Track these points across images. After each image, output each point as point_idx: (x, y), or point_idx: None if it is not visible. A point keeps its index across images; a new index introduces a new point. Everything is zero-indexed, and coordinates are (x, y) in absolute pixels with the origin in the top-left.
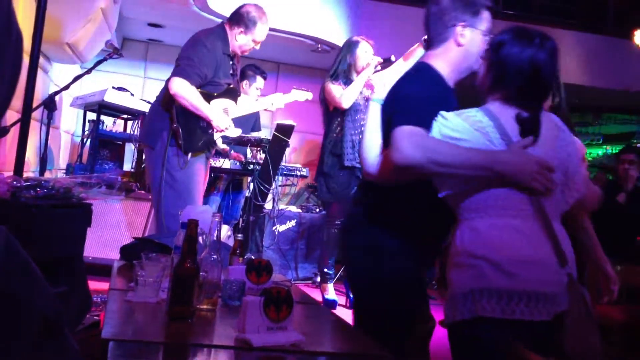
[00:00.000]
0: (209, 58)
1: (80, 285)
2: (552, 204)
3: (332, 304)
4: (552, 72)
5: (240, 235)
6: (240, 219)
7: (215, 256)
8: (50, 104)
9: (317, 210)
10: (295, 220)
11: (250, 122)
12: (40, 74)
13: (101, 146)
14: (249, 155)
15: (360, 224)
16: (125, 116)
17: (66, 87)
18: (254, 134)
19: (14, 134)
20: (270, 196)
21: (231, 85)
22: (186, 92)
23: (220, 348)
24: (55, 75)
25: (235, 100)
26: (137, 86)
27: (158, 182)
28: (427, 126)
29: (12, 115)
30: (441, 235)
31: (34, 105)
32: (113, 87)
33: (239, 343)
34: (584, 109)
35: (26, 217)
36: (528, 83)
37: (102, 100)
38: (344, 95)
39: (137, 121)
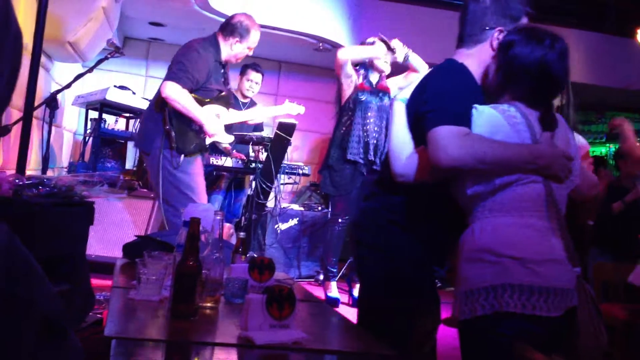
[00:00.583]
0: (201, 63)
1: (83, 283)
2: (564, 203)
3: (335, 302)
4: (562, 73)
5: (242, 233)
6: (242, 217)
7: (217, 254)
8: (52, 103)
9: (320, 208)
10: (298, 218)
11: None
12: (42, 72)
13: (103, 144)
14: (251, 154)
15: (371, 220)
16: (127, 115)
17: (68, 86)
18: (256, 133)
19: (16, 132)
20: (272, 194)
21: (223, 93)
22: (178, 95)
23: (222, 346)
24: (57, 74)
25: (227, 107)
26: (139, 85)
27: (159, 184)
28: (465, 123)
29: (14, 114)
30: (451, 236)
31: (36, 103)
32: (115, 86)
33: (242, 341)
34: (587, 107)
35: (28, 215)
36: (537, 83)
37: (103, 99)
38: (345, 48)
39: (138, 120)
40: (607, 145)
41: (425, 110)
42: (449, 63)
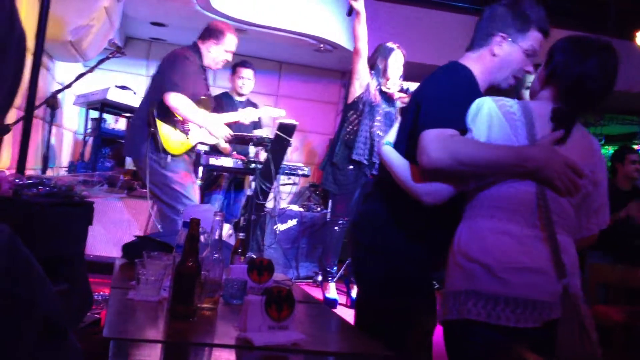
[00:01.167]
0: (194, 70)
1: (82, 283)
2: (563, 215)
3: (333, 303)
4: (598, 89)
5: (242, 234)
6: (242, 218)
7: (216, 255)
8: (53, 102)
9: (319, 209)
10: (297, 219)
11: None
12: (43, 72)
13: (103, 144)
14: (251, 155)
15: (368, 221)
16: (127, 114)
17: (69, 86)
18: (257, 131)
19: (16, 131)
20: (271, 195)
21: (204, 97)
22: (183, 105)
23: (221, 347)
24: (58, 74)
25: (210, 110)
26: (140, 85)
27: (152, 185)
28: (455, 125)
29: (14, 113)
30: (448, 237)
31: (37, 103)
32: (116, 86)
33: (241, 342)
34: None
35: (28, 215)
36: (573, 92)
37: (104, 99)
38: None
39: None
40: (606, 147)
41: (419, 115)
42: (450, 65)
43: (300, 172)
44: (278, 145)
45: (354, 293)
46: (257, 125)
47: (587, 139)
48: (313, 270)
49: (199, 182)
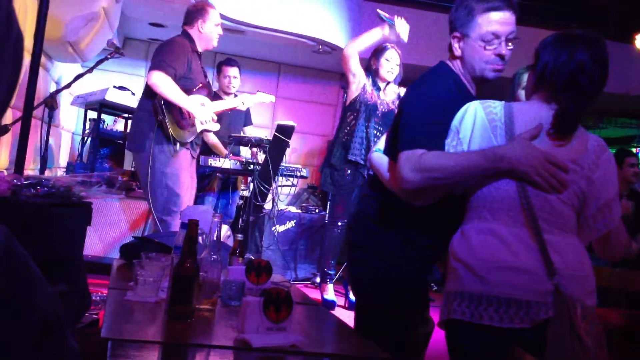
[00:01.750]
0: (180, 51)
1: (80, 284)
2: (553, 213)
3: (331, 304)
4: (594, 81)
5: (240, 235)
6: (240, 219)
7: (215, 256)
8: (51, 103)
9: (317, 210)
10: (295, 220)
11: (240, 117)
12: (41, 72)
13: (102, 145)
14: (245, 155)
15: (361, 222)
16: (126, 115)
17: (67, 86)
18: (246, 128)
19: (14, 132)
20: (270, 196)
21: (202, 84)
22: (163, 82)
23: (219, 348)
24: (56, 74)
25: (210, 97)
26: (138, 85)
27: (147, 180)
28: (429, 144)
29: (13, 113)
30: (443, 239)
31: (35, 103)
32: (114, 86)
33: (239, 343)
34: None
35: (26, 216)
36: (567, 90)
37: (103, 99)
38: (349, 42)
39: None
40: None
41: (398, 134)
42: (435, 70)
43: (299, 174)
44: (276, 147)
45: (352, 295)
46: (247, 121)
47: (580, 135)
48: (311, 272)
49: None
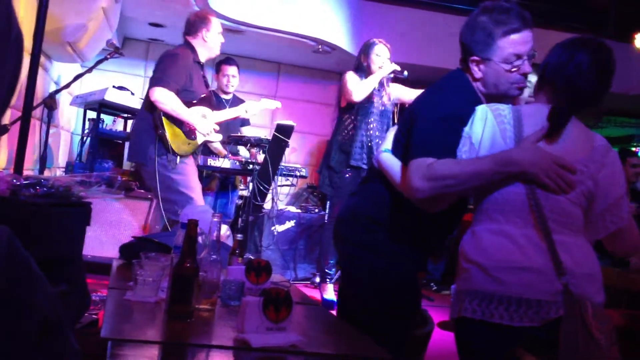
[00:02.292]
0: (181, 64)
1: (79, 283)
2: (562, 214)
3: (331, 304)
4: (593, 85)
5: (240, 235)
6: (239, 219)
7: (214, 256)
8: (50, 103)
9: (316, 210)
10: (295, 220)
11: (237, 119)
12: (40, 72)
13: (101, 145)
14: (244, 154)
15: (353, 216)
16: (125, 115)
17: (67, 86)
18: (244, 128)
19: (14, 132)
20: (269, 196)
21: (204, 95)
22: (166, 98)
23: (219, 348)
24: (55, 74)
25: (212, 108)
26: (138, 85)
27: (159, 190)
28: (440, 153)
29: (12, 113)
30: (433, 238)
31: (35, 103)
32: (113, 86)
33: (238, 343)
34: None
35: (25, 216)
36: (565, 92)
37: (102, 99)
38: (357, 87)
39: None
40: None
41: (410, 141)
42: (452, 78)
43: (298, 174)
44: (276, 146)
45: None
46: (244, 122)
47: (586, 135)
48: (311, 272)
49: None
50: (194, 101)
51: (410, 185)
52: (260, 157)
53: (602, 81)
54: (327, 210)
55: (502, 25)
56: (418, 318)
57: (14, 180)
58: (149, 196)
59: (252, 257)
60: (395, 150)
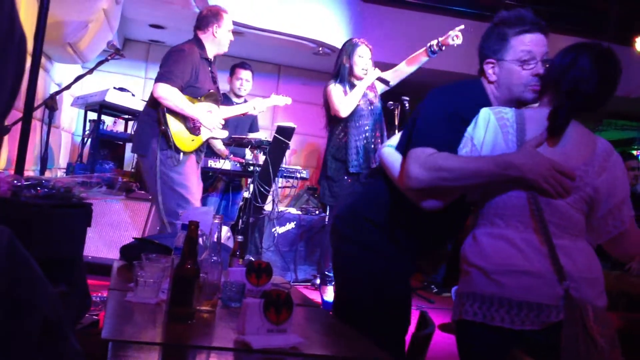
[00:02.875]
0: (187, 60)
1: (80, 284)
2: (563, 218)
3: (331, 306)
4: (596, 89)
5: (240, 237)
6: (240, 220)
7: (215, 258)
8: (51, 104)
9: (317, 212)
10: (295, 222)
11: (247, 123)
12: (41, 73)
13: (101, 146)
14: (249, 157)
15: (351, 215)
16: (126, 116)
17: (67, 87)
18: (252, 135)
19: (15, 132)
20: (270, 198)
21: (211, 90)
22: (169, 94)
23: (219, 350)
24: (56, 75)
25: (217, 104)
26: (138, 87)
27: (155, 185)
28: (441, 145)
29: (13, 114)
30: (432, 241)
31: (35, 104)
32: (114, 88)
33: (239, 345)
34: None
35: (26, 217)
36: (567, 95)
37: (103, 100)
38: (342, 103)
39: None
40: None
41: (412, 132)
42: (463, 82)
43: (299, 175)
44: (276, 148)
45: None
46: (252, 127)
47: (588, 139)
48: (311, 274)
49: None
50: (198, 97)
51: (408, 173)
52: (261, 159)
53: (605, 85)
54: (327, 212)
55: (516, 26)
56: (399, 314)
57: (15, 181)
58: (150, 197)
59: (252, 259)
60: (400, 147)
